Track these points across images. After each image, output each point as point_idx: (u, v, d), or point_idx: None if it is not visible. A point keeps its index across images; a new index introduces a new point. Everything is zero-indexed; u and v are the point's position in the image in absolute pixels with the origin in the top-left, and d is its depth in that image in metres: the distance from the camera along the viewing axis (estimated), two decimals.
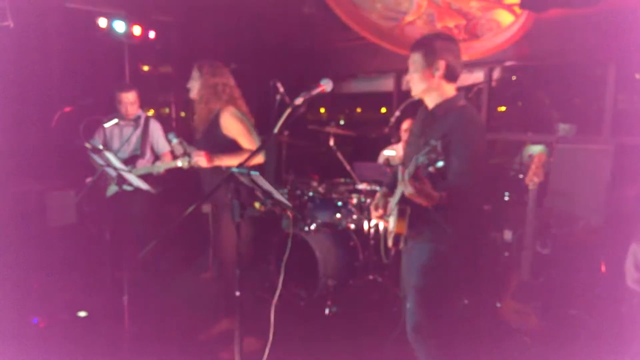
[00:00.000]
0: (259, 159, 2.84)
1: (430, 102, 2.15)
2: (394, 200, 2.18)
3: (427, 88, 2.11)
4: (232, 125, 2.86)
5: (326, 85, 2.06)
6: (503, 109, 5.13)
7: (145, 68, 5.69)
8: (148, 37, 4.93)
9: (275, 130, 1.94)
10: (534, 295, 3.01)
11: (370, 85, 5.76)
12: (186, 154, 2.84)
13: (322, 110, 7.10)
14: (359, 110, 7.41)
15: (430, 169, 1.65)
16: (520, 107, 5.17)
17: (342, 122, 7.18)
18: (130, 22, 4.67)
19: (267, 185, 1.82)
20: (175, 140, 2.89)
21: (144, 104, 3.80)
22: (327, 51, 5.69)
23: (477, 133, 1.98)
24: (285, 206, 2.04)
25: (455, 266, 2.10)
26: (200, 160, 2.75)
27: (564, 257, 3.19)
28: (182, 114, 5.76)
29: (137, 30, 4.76)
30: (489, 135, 4.65)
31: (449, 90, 2.12)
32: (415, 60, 2.10)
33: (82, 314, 3.36)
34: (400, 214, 2.05)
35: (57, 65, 4.21)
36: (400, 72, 5.06)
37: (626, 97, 4.03)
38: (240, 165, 1.81)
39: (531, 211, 3.07)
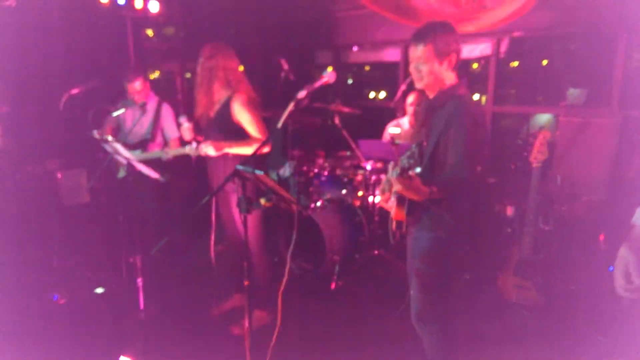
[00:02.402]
0: (265, 148, 2.84)
1: (430, 90, 2.14)
2: (393, 189, 2.24)
3: (435, 80, 2.08)
4: (243, 113, 2.86)
5: (329, 77, 2.07)
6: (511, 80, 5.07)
7: (148, 39, 5.63)
8: (150, 10, 4.87)
9: (279, 125, 1.97)
10: (534, 270, 3.09)
11: (377, 55, 5.67)
12: (195, 139, 2.86)
13: (330, 68, 7.02)
14: (367, 68, 7.31)
15: (410, 172, 1.70)
16: (528, 78, 5.10)
17: (350, 82, 7.12)
18: None
19: (271, 182, 1.87)
20: (186, 125, 2.91)
21: (150, 71, 3.75)
22: (332, 21, 5.59)
23: (473, 126, 1.97)
24: (290, 201, 2.10)
25: (455, 253, 2.16)
26: (209, 149, 2.78)
27: (565, 233, 3.25)
28: (188, 74, 5.76)
29: (139, 3, 4.70)
30: (496, 107, 4.64)
31: (450, 78, 2.11)
32: (425, 53, 2.03)
33: (100, 290, 3.51)
34: (399, 202, 2.11)
35: (60, 43, 4.18)
36: (408, 42, 4.99)
37: (636, 68, 3.95)
38: (245, 162, 1.85)
39: (534, 188, 3.11)
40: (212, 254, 2.74)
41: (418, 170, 1.72)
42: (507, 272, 3.22)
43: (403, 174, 1.78)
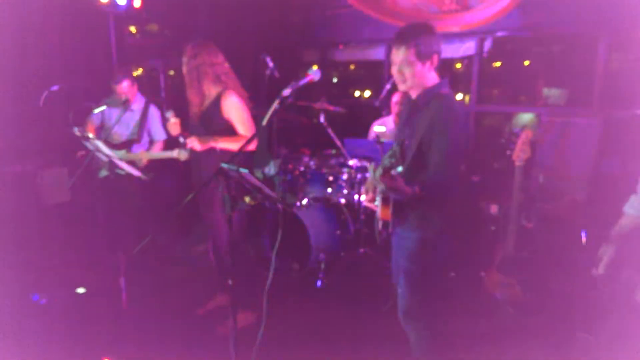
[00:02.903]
0: (251, 146, 2.82)
1: (413, 91, 2.14)
2: (378, 189, 2.24)
3: (418, 81, 2.08)
4: (233, 110, 2.85)
5: (314, 75, 2.07)
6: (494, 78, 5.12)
7: (131, 36, 5.56)
8: (133, 6, 4.80)
9: (264, 122, 1.96)
10: (518, 268, 3.13)
11: (362, 54, 5.68)
12: (181, 135, 2.84)
13: (315, 66, 7.02)
14: (352, 66, 7.32)
15: (393, 172, 1.71)
16: (511, 78, 5.16)
17: (335, 80, 7.13)
18: None
19: (256, 182, 1.86)
20: (173, 120, 2.88)
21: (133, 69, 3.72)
22: (317, 19, 5.59)
23: (456, 125, 1.99)
24: (275, 200, 2.08)
25: (441, 251, 2.17)
26: (194, 144, 2.76)
27: (548, 231, 3.29)
28: (171, 72, 5.71)
29: None
30: (479, 107, 4.68)
31: (432, 78, 2.12)
32: (408, 56, 2.03)
33: (81, 290, 3.46)
34: (384, 202, 2.11)
35: (41, 40, 4.10)
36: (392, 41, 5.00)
37: (616, 68, 4.03)
38: (230, 161, 1.83)
39: (517, 186, 3.14)
40: (196, 253, 2.71)
41: (399, 169, 1.72)
42: (491, 270, 3.25)
43: (385, 173, 1.78)
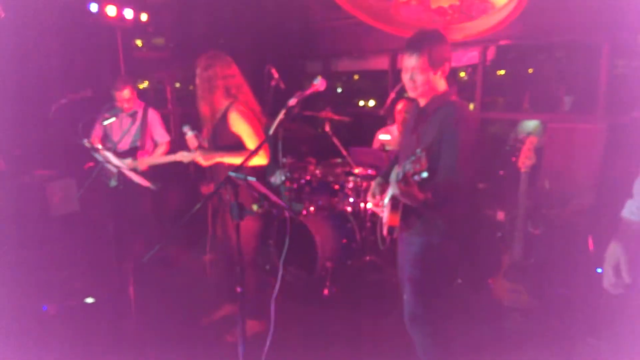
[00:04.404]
0: (262, 160, 2.77)
1: (423, 98, 2.16)
2: (388, 194, 2.26)
3: (429, 88, 2.10)
4: (240, 124, 2.77)
5: (319, 85, 2.10)
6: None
7: (138, 49, 5.66)
8: (140, 20, 4.89)
9: (271, 131, 1.99)
10: (525, 274, 3.13)
11: (366, 64, 5.73)
12: (200, 147, 2.82)
13: (319, 77, 7.08)
14: (356, 77, 7.39)
15: (416, 177, 1.71)
16: (515, 85, 5.19)
17: (339, 90, 7.18)
18: (121, 5, 4.63)
19: (263, 189, 1.88)
20: (190, 134, 2.86)
21: (139, 82, 3.77)
22: (321, 30, 5.65)
23: (467, 130, 2.00)
24: (282, 208, 2.10)
25: (448, 258, 2.18)
26: (198, 159, 2.74)
27: (554, 237, 3.29)
28: (177, 84, 5.78)
29: (129, 13, 4.72)
30: (484, 114, 4.70)
31: (442, 85, 2.14)
32: (421, 63, 2.04)
33: (90, 300, 3.48)
34: (393, 207, 2.12)
35: (50, 54, 4.19)
36: (396, 51, 5.05)
37: (620, 74, 4.04)
38: (238, 169, 1.86)
39: (523, 193, 3.15)
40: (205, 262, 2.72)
41: (425, 175, 1.72)
42: (499, 276, 3.24)
43: (406, 179, 1.78)
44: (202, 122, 2.90)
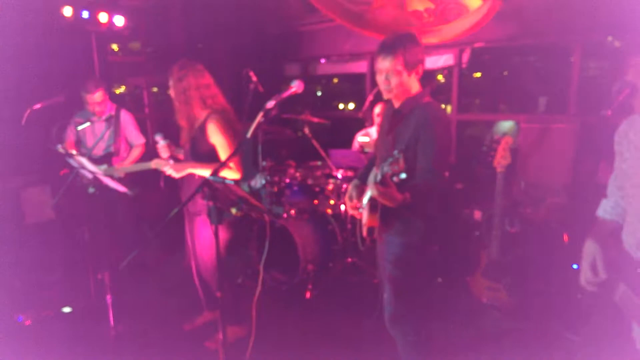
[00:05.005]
0: (235, 175, 2.73)
1: (397, 99, 2.18)
2: (366, 195, 2.27)
3: (403, 90, 2.12)
4: (216, 135, 2.72)
5: (296, 87, 2.10)
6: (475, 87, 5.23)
7: (114, 54, 5.58)
8: (115, 24, 4.82)
9: (249, 134, 1.98)
10: (503, 272, 3.18)
11: (345, 67, 5.76)
12: (172, 157, 2.79)
13: (296, 80, 7.09)
14: (335, 80, 7.43)
15: (394, 179, 1.73)
16: (490, 87, 5.29)
17: (319, 93, 7.22)
18: (96, 9, 4.56)
19: (241, 192, 1.87)
20: (162, 143, 2.82)
21: (114, 86, 3.70)
22: (300, 34, 5.67)
23: (441, 131, 2.03)
24: (261, 210, 2.10)
25: (427, 257, 2.21)
26: (170, 171, 2.70)
27: (531, 235, 3.35)
28: (155, 89, 5.72)
29: (103, 17, 4.66)
30: (461, 116, 4.78)
31: (416, 87, 2.17)
32: (395, 65, 2.06)
33: (67, 309, 3.41)
34: (372, 208, 2.14)
35: (24, 59, 4.09)
36: (374, 54, 5.09)
37: (591, 75, 4.16)
38: (215, 173, 1.85)
39: (499, 192, 3.20)
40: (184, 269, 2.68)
41: (403, 176, 1.74)
42: (477, 275, 3.29)
43: (384, 180, 1.80)
44: (182, 135, 2.86)
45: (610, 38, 3.82)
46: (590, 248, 1.78)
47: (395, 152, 1.71)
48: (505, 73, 5.11)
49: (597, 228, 1.89)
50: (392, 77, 2.09)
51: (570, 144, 3.76)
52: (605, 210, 1.90)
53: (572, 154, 3.74)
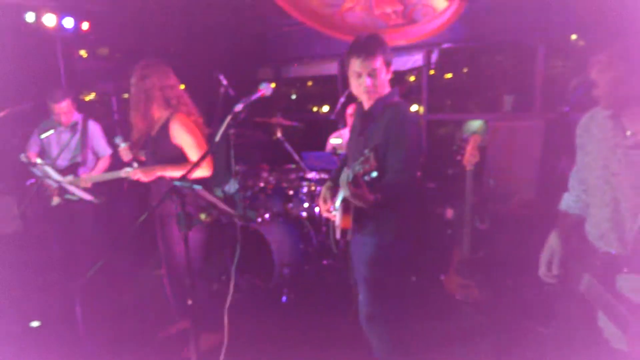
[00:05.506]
0: (204, 172, 2.67)
1: (368, 100, 2.20)
2: (339, 197, 2.28)
3: (381, 90, 2.14)
4: (182, 135, 2.67)
5: (265, 90, 2.10)
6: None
7: (81, 60, 5.46)
8: (81, 29, 4.72)
9: (217, 138, 1.97)
10: (475, 269, 3.23)
11: (317, 70, 5.78)
12: (134, 159, 2.73)
13: (273, 85, 7.10)
14: (310, 83, 7.44)
15: (366, 178, 1.75)
16: (459, 87, 5.38)
17: (293, 96, 7.22)
18: (60, 14, 4.45)
19: (210, 197, 1.86)
20: (123, 145, 2.76)
21: (83, 93, 3.62)
22: (272, 37, 5.66)
23: (411, 131, 2.07)
24: (231, 215, 2.09)
25: (401, 256, 2.23)
26: (138, 175, 2.64)
27: (501, 231, 3.42)
28: (125, 95, 5.62)
29: (68, 22, 4.55)
30: (431, 115, 4.84)
31: (386, 87, 2.20)
32: (378, 64, 2.07)
33: (36, 323, 3.31)
34: (345, 210, 2.15)
35: None
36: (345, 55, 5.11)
37: (555, 74, 4.27)
38: (183, 178, 1.83)
39: (469, 190, 3.26)
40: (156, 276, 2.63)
41: (375, 174, 1.75)
42: (450, 272, 3.34)
43: (356, 180, 1.81)
44: (135, 133, 2.77)
45: (574, 37, 3.94)
46: (551, 243, 1.82)
47: (366, 151, 1.72)
48: (473, 73, 5.20)
49: (561, 222, 1.94)
50: (375, 77, 2.09)
51: (537, 141, 3.85)
52: (567, 204, 1.95)
53: (539, 150, 3.83)
